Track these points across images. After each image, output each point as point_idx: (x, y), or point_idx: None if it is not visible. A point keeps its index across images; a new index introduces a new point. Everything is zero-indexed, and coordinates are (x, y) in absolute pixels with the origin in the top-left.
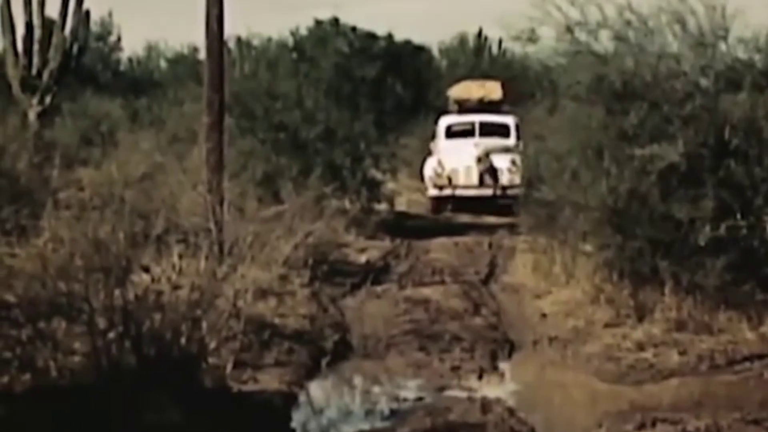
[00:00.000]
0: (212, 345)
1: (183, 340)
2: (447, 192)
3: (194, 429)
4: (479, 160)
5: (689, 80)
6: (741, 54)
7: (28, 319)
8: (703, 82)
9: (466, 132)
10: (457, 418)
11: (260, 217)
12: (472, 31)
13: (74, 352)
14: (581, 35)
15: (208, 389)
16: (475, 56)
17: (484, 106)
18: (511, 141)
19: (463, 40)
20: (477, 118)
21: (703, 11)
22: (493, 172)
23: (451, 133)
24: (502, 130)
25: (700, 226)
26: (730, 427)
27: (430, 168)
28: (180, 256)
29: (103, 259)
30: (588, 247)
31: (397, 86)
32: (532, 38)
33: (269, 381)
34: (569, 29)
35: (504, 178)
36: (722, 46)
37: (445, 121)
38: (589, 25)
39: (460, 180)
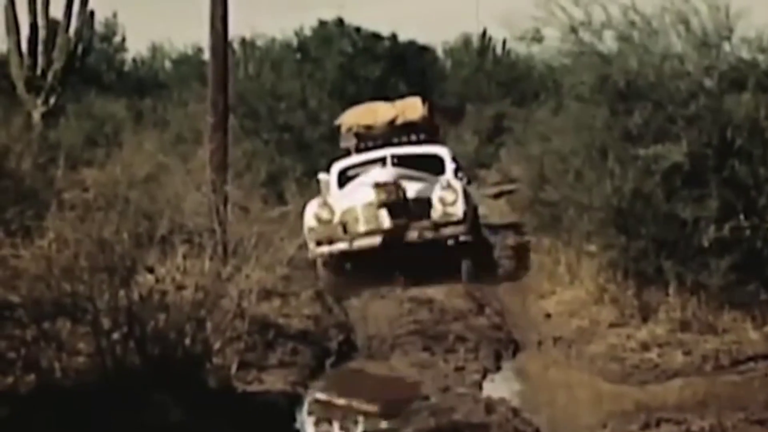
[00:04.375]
0: (217, 345)
1: (187, 341)
2: (341, 246)
3: (198, 429)
4: (389, 191)
5: (693, 80)
6: (745, 54)
7: (32, 319)
8: (707, 82)
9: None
10: (461, 418)
11: (264, 217)
12: (476, 32)
13: (79, 353)
14: (585, 35)
15: (212, 390)
16: (480, 57)
17: (397, 133)
18: (447, 176)
19: (467, 40)
20: (388, 151)
21: (707, 11)
22: (413, 205)
23: (346, 180)
24: (430, 167)
25: (704, 226)
26: (735, 428)
27: (310, 214)
28: (184, 257)
29: (107, 259)
30: (592, 248)
31: (401, 86)
32: (537, 38)
33: (274, 381)
34: (573, 29)
35: (435, 212)
36: (726, 47)
37: (336, 167)
38: (593, 25)
39: (360, 225)
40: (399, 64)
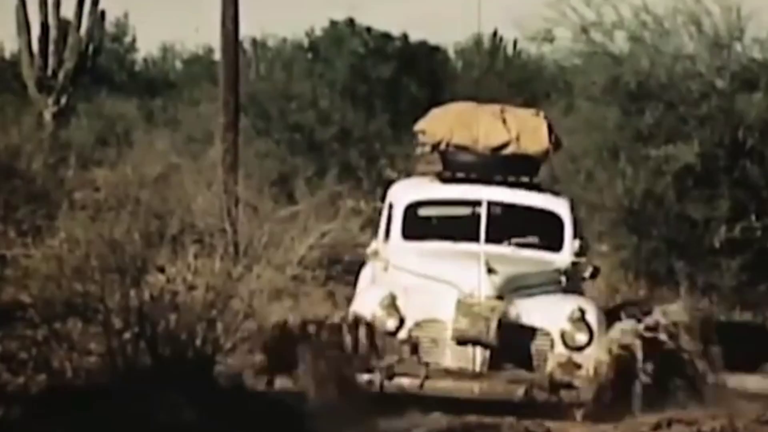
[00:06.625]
0: (227, 345)
1: (198, 341)
2: (406, 383)
3: (209, 429)
4: (487, 320)
5: (705, 81)
6: (756, 54)
7: (43, 319)
8: (719, 82)
9: (458, 228)
10: (472, 418)
11: (275, 217)
12: (487, 32)
13: (90, 353)
14: (597, 36)
15: (223, 389)
16: (491, 57)
17: (503, 166)
18: (565, 256)
19: (478, 41)
20: (485, 195)
21: (719, 12)
22: (516, 331)
23: (418, 227)
24: (542, 231)
25: (715, 226)
26: (746, 428)
27: (367, 311)
28: (195, 257)
29: (118, 259)
30: (604, 248)
31: (412, 86)
32: (548, 38)
33: (284, 381)
34: (585, 30)
35: (553, 359)
36: (737, 47)
37: (404, 197)
38: (604, 25)
39: (446, 358)
40: (410, 64)
